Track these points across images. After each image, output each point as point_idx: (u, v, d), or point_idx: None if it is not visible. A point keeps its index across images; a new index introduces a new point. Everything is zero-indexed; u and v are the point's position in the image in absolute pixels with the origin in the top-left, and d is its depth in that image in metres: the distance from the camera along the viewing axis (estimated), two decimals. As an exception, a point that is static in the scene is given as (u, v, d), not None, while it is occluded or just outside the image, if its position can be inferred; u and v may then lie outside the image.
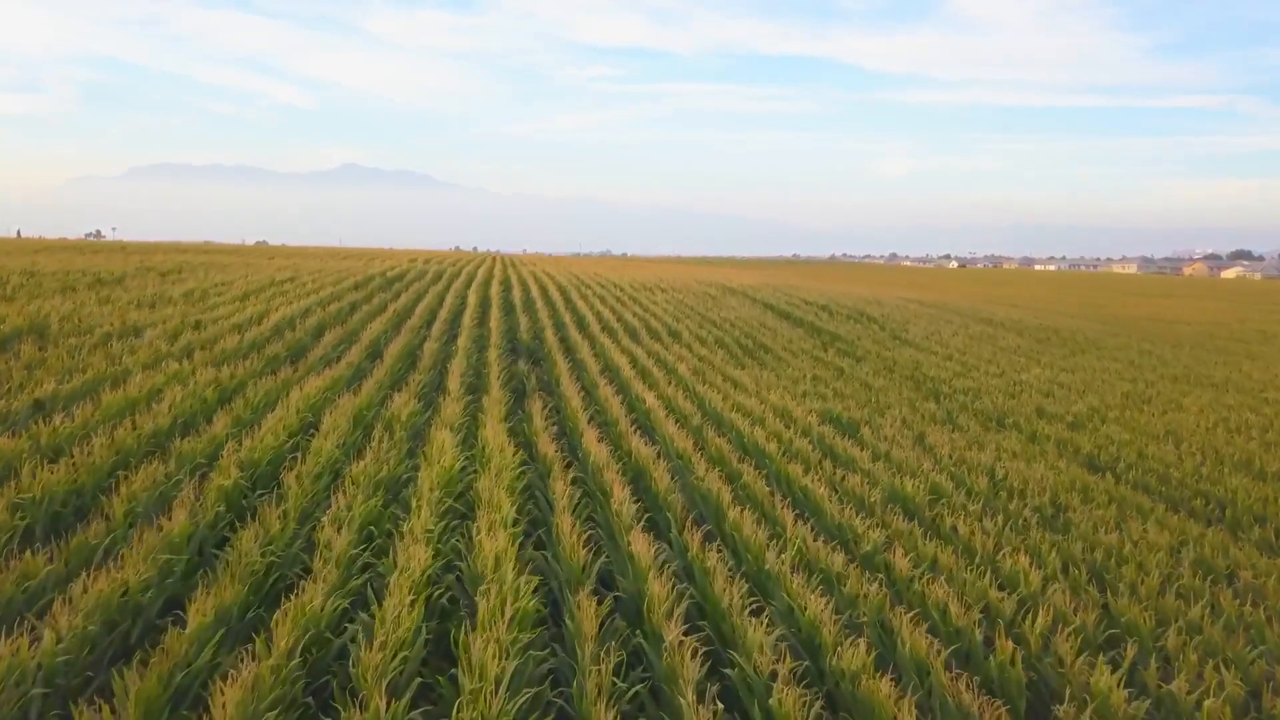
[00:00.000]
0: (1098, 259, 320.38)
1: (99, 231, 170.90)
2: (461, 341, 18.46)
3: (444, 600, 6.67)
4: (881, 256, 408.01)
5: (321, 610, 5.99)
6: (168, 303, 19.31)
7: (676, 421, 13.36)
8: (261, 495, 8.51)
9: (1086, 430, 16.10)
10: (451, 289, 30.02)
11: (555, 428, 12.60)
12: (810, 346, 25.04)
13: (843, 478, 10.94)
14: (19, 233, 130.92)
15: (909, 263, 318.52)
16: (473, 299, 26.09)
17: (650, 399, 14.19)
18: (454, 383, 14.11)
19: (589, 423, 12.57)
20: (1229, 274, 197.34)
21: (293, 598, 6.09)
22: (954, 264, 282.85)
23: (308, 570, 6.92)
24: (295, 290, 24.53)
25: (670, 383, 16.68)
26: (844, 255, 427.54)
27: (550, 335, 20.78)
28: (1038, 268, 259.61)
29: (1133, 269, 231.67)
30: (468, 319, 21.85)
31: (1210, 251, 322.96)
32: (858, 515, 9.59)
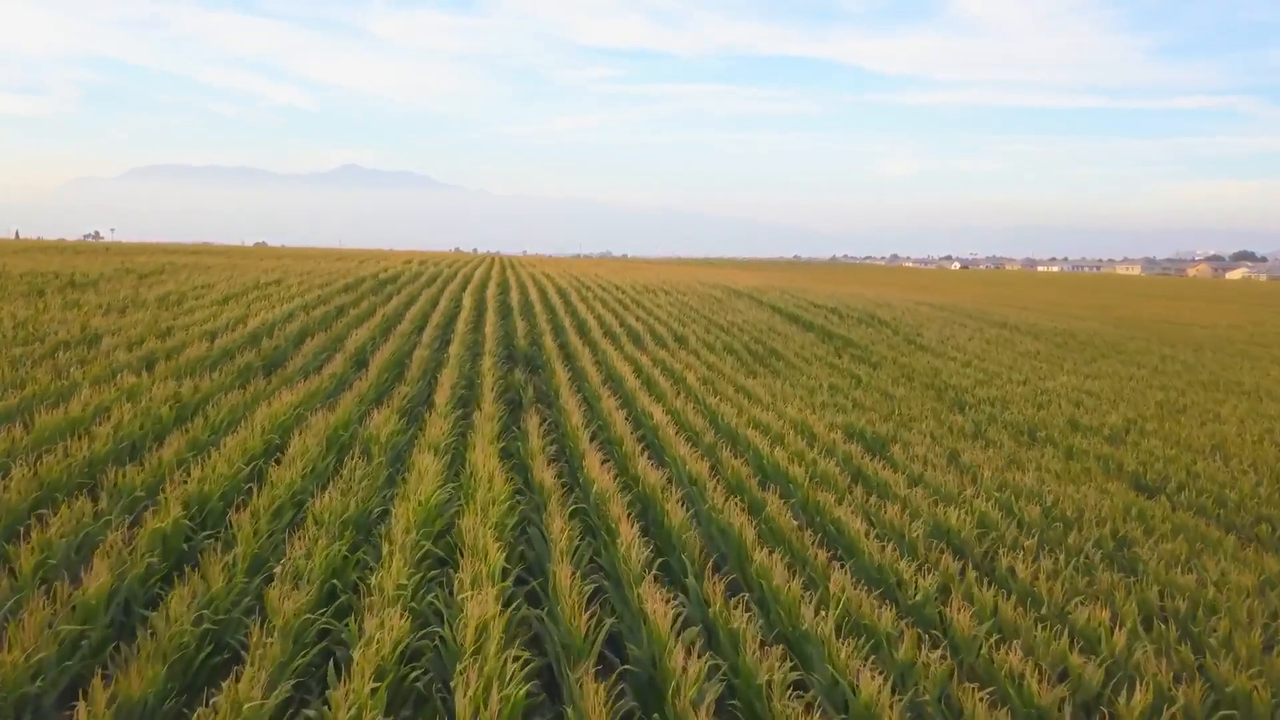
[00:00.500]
0: (1099, 260, 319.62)
1: (97, 233, 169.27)
2: (454, 349, 17.21)
3: (418, 683, 5.42)
4: (883, 258, 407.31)
5: (261, 705, 4.74)
6: (140, 307, 18.06)
7: (688, 440, 12.12)
8: (209, 537, 7.27)
9: (1126, 445, 14.90)
10: (446, 292, 28.74)
11: (554, 447, 11.36)
12: (824, 352, 23.82)
13: (879, 507, 9.69)
14: (17, 234, 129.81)
15: (910, 264, 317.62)
16: (468, 302, 24.81)
17: (658, 413, 12.95)
18: (443, 396, 12.87)
19: (591, 441, 11.31)
20: (1234, 275, 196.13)
21: (224, 685, 4.85)
22: (956, 265, 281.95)
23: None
24: (280, 293, 23.26)
25: (678, 394, 15.44)
26: (845, 256, 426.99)
27: (549, 341, 19.54)
28: (1040, 269, 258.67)
29: (1136, 270, 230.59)
30: (461, 324, 20.59)
31: (1212, 253, 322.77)
32: (901, 556, 8.34)
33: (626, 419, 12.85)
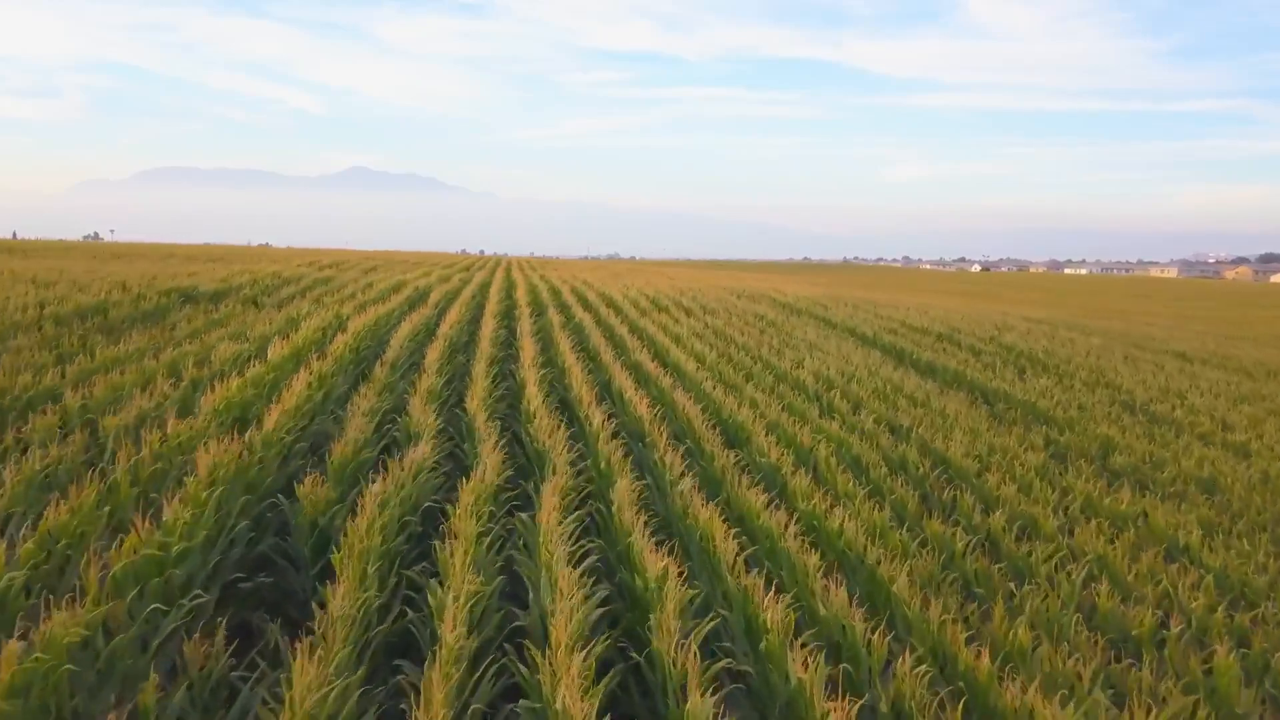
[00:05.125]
0: (1126, 262, 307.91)
1: (96, 234, 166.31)
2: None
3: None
4: (895, 259, 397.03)
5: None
6: None
7: None
8: None
9: None
10: (293, 310, 15.93)
11: None
12: (1013, 444, 11.09)
13: None
14: (14, 234, 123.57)
15: (926, 265, 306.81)
16: (279, 348, 11.89)
17: None
18: None
19: None
20: (1278, 279, 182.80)
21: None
22: (976, 267, 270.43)
23: None
24: None
25: None
26: (856, 258, 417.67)
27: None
28: (1067, 271, 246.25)
29: (1173, 273, 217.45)
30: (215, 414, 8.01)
31: (1230, 255, 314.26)
32: None
33: None
